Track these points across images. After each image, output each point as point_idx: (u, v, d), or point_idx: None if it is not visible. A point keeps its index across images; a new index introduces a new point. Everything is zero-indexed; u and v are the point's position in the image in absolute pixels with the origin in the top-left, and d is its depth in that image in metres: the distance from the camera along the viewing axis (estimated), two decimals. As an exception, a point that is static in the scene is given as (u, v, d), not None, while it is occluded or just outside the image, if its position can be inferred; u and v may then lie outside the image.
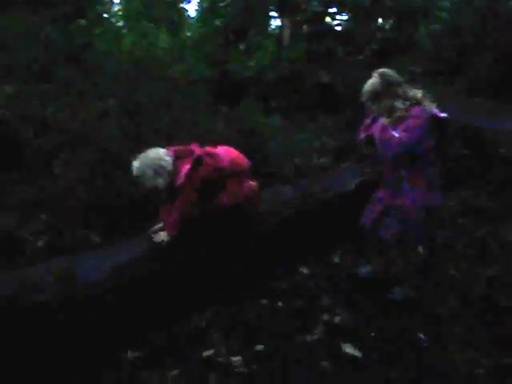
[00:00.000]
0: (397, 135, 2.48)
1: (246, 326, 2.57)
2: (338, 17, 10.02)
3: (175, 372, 2.26)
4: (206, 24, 7.30)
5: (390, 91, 2.58)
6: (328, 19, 9.97)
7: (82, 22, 6.46)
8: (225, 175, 2.72)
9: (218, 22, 7.19)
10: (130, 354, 2.35)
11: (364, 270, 3.07)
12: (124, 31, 6.66)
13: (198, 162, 2.60)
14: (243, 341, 2.46)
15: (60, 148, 3.98)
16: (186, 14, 8.61)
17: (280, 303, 2.80)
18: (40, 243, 2.80)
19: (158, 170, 2.49)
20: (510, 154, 4.88)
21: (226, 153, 2.82)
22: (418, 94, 2.58)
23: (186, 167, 2.55)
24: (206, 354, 2.37)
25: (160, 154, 2.55)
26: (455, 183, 4.47)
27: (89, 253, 2.55)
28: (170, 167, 2.53)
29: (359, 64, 7.01)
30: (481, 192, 4.50)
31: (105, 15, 7.61)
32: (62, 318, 2.18)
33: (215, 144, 2.91)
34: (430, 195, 2.63)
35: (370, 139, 2.70)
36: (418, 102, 2.54)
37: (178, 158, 2.59)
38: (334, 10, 9.86)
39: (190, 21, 8.70)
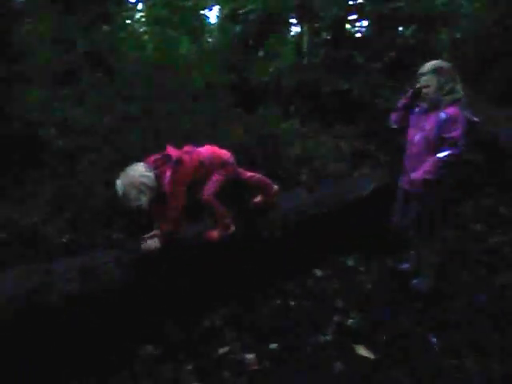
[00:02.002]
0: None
1: (259, 325, 2.63)
2: (357, 24, 10.03)
3: (190, 367, 2.33)
4: (226, 30, 7.43)
5: (453, 76, 2.66)
6: (347, 26, 9.99)
7: (106, 27, 6.64)
8: (208, 169, 2.72)
9: (238, 29, 7.30)
10: (146, 349, 2.43)
11: (404, 265, 3.22)
12: (146, 37, 6.81)
13: (176, 164, 2.56)
14: (257, 339, 2.52)
15: (83, 149, 4.12)
16: (206, 20, 8.76)
17: (293, 303, 2.85)
18: (63, 240, 2.91)
19: (141, 187, 2.40)
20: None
21: (210, 149, 2.85)
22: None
23: (167, 174, 2.51)
24: (220, 351, 2.44)
25: (141, 171, 2.45)
26: (472, 189, 4.47)
27: (108, 251, 2.65)
28: (152, 182, 2.45)
29: (378, 71, 7.02)
30: (497, 199, 4.49)
31: (128, 21, 7.80)
32: (82, 311, 2.27)
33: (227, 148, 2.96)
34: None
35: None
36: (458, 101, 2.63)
37: (158, 167, 2.52)
38: (353, 16, 9.88)
39: (211, 27, 8.84)
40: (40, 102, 4.68)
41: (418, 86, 2.75)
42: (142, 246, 2.52)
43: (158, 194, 2.49)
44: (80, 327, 2.27)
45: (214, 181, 2.73)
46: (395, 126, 2.97)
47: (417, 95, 2.76)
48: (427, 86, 2.67)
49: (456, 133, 2.54)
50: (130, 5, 8.35)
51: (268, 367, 2.33)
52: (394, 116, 2.95)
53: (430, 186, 2.63)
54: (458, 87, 2.66)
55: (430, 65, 2.70)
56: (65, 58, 5.82)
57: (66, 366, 2.26)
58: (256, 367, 2.33)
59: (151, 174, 2.46)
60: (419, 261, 3.07)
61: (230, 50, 6.76)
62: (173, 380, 2.25)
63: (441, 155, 2.56)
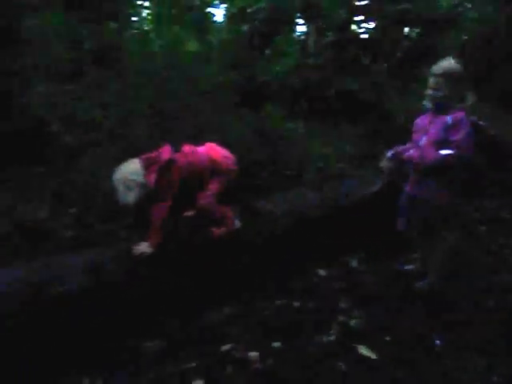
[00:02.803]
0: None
1: (263, 324, 2.63)
2: (363, 25, 10.04)
3: (193, 364, 2.32)
4: (233, 29, 7.44)
5: (465, 82, 2.65)
6: (354, 27, 10.00)
7: (112, 24, 6.66)
8: (204, 173, 2.69)
9: (245, 27, 7.31)
10: (150, 345, 2.44)
11: (410, 267, 3.22)
12: (152, 34, 6.82)
13: (166, 166, 2.53)
14: (260, 337, 2.52)
15: (88, 145, 4.13)
16: (213, 18, 8.78)
17: (297, 303, 2.85)
18: (68, 234, 2.91)
19: (128, 185, 2.40)
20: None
21: (209, 151, 2.78)
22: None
23: (153, 176, 2.48)
24: (223, 348, 2.43)
25: (131, 168, 2.46)
26: (476, 192, 4.47)
27: (113, 246, 2.65)
28: (141, 179, 2.43)
29: (384, 72, 7.02)
30: (502, 203, 4.48)
31: (135, 18, 7.83)
32: (86, 306, 2.28)
33: (226, 146, 2.91)
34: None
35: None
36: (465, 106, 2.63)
37: (148, 166, 2.50)
38: (360, 17, 9.89)
39: (218, 25, 8.84)
40: (46, 97, 4.69)
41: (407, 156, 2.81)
42: (134, 250, 2.49)
43: (149, 194, 2.46)
44: (84, 323, 2.27)
45: (213, 186, 2.70)
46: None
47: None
48: (436, 89, 2.66)
49: (458, 136, 2.53)
50: (137, 2, 8.39)
51: (271, 365, 2.33)
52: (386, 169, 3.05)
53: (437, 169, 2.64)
54: (469, 96, 2.65)
55: (442, 67, 2.64)
56: (71, 54, 5.84)
57: (70, 361, 2.27)
58: (259, 365, 2.33)
59: (141, 171, 2.45)
60: (424, 262, 3.06)
61: (236, 48, 6.77)
62: (176, 376, 2.24)
63: (442, 152, 2.57)
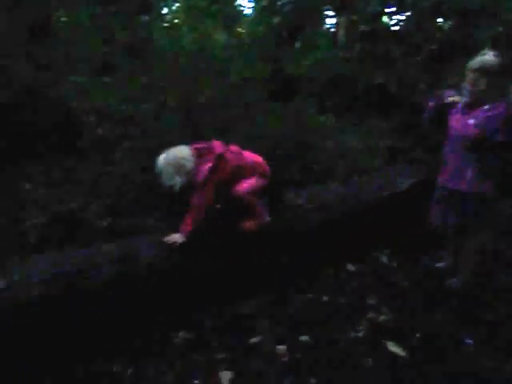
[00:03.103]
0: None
1: (292, 317, 2.64)
2: (394, 16, 9.81)
3: (221, 355, 2.36)
4: (263, 22, 7.40)
5: (502, 78, 2.57)
6: (384, 19, 9.80)
7: (143, 17, 6.73)
8: (247, 174, 2.70)
9: (275, 20, 7.26)
10: (180, 335, 2.49)
11: (440, 264, 3.18)
12: (184, 27, 6.86)
13: (219, 160, 2.57)
14: (288, 331, 2.53)
15: (121, 137, 4.22)
16: (242, 11, 8.75)
17: (326, 297, 2.85)
18: (102, 224, 2.99)
19: (179, 168, 2.46)
20: None
21: (251, 154, 2.82)
22: None
23: (207, 166, 2.52)
24: (252, 340, 2.47)
25: (183, 153, 2.51)
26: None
27: (146, 236, 2.70)
28: (191, 167, 2.50)
29: (416, 65, 6.86)
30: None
31: (165, 10, 7.89)
32: (119, 296, 2.34)
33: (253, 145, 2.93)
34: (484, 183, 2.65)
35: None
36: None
37: (199, 157, 2.55)
38: (391, 9, 9.67)
39: (247, 18, 8.81)
40: (79, 89, 4.80)
41: (451, 99, 2.73)
42: (165, 238, 2.53)
43: (190, 183, 2.51)
44: (116, 311, 2.33)
45: (253, 181, 2.71)
46: (429, 125, 2.91)
47: (446, 106, 2.73)
48: (474, 84, 2.59)
49: (487, 114, 2.50)
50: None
51: (298, 359, 2.34)
52: (426, 115, 2.89)
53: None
54: (508, 90, 2.56)
55: (478, 62, 2.56)
56: (104, 47, 5.94)
57: (101, 348, 2.34)
58: (287, 358, 2.35)
59: (192, 159, 2.51)
60: (456, 259, 3.01)
61: (266, 41, 6.74)
62: (204, 367, 2.28)
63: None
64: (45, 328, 2.14)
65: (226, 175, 2.61)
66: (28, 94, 4.18)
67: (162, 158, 2.48)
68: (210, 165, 2.53)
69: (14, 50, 4.69)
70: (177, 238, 2.53)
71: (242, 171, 2.69)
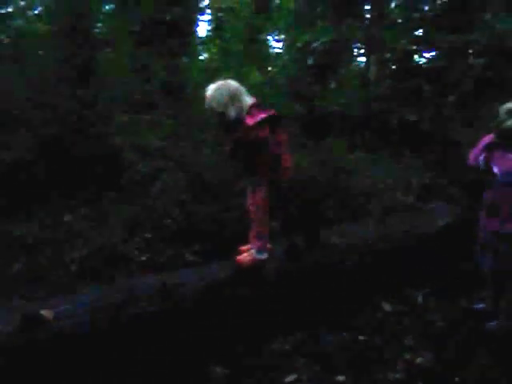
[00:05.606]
0: None
1: (328, 356, 2.61)
2: (426, 54, 9.89)
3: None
4: (298, 62, 7.65)
5: None
6: (416, 57, 9.89)
7: (183, 58, 7.09)
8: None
9: (309, 60, 7.48)
10: (217, 370, 2.49)
11: (479, 306, 3.12)
12: (220, 67, 7.15)
13: (273, 118, 2.47)
14: (324, 370, 2.51)
15: (159, 172, 4.37)
16: (276, 52, 9.07)
17: (362, 337, 2.82)
18: (142, 259, 3.08)
19: (233, 98, 2.41)
20: None
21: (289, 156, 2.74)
22: None
23: (262, 115, 2.42)
24: (287, 379, 2.45)
25: (240, 87, 2.49)
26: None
27: (185, 270, 2.77)
28: (244, 102, 2.44)
29: (449, 104, 6.87)
30: None
31: (202, 52, 8.28)
32: (158, 329, 2.39)
33: None
34: None
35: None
36: None
37: (255, 107, 2.47)
38: (421, 48, 9.76)
39: (280, 58, 9.11)
40: (121, 127, 5.04)
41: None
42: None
43: (238, 120, 2.42)
44: (155, 345, 2.37)
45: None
46: (474, 164, 2.91)
47: (504, 136, 2.71)
48: None
49: None
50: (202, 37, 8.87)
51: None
52: (473, 155, 2.89)
53: None
54: None
55: (507, 108, 2.64)
56: (144, 86, 6.26)
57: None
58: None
59: (248, 98, 2.48)
60: (496, 302, 2.94)
61: (299, 79, 6.94)
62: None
63: None
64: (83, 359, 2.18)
65: (271, 153, 2.50)
66: (75, 131, 4.42)
67: (217, 87, 2.45)
68: (264, 115, 2.43)
69: (62, 90, 4.99)
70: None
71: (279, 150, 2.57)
